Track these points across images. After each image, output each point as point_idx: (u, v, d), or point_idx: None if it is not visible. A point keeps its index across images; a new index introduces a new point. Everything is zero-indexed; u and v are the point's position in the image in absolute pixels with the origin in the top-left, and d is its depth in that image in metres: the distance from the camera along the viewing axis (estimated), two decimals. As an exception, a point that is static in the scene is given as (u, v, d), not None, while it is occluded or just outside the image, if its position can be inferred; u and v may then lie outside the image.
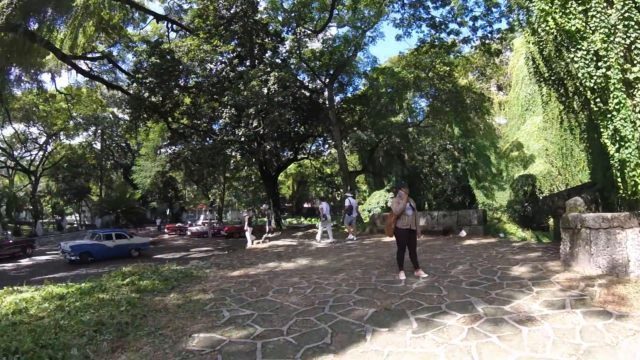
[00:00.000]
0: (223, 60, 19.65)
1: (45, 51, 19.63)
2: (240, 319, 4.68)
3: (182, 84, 19.15)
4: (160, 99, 18.05)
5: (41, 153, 39.53)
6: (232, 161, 21.42)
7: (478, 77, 24.20)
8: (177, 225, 35.06)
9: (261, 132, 18.32)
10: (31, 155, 40.19)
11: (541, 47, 8.17)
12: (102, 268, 13.20)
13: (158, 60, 17.24)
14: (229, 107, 17.63)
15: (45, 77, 29.83)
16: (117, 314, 4.73)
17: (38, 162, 39.22)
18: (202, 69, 19.00)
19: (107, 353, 3.68)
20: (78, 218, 45.01)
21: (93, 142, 42.02)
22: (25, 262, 18.10)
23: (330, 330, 4.15)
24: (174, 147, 23.83)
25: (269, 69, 17.54)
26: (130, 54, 22.60)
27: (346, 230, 14.36)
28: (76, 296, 5.90)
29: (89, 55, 22.80)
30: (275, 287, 6.30)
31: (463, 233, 12.03)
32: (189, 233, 29.92)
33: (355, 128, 22.66)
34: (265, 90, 16.75)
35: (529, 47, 9.50)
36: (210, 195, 41.93)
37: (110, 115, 37.79)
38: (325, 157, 31.18)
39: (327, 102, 21.21)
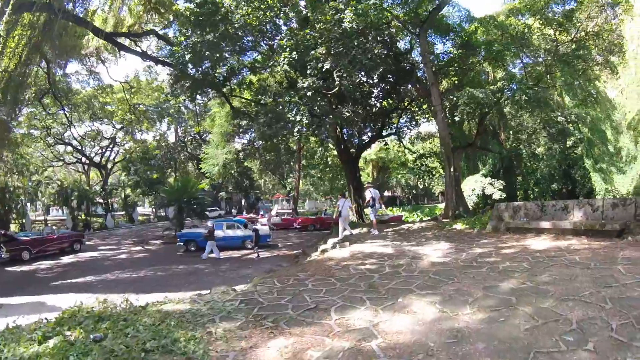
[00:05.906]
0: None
1: (82, 30, 17.44)
2: None
3: (231, 40, 14.83)
4: (209, 63, 14.56)
5: (113, 148, 39.72)
6: (296, 129, 14.22)
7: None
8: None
9: (336, 83, 13.26)
10: (102, 150, 39.89)
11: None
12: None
13: (197, 10, 13.73)
14: (287, 50, 12.89)
15: (101, 69, 28.94)
16: None
17: (108, 157, 39.39)
18: (249, 15, 14.07)
19: None
20: (153, 210, 44.95)
21: (166, 135, 41.71)
22: (66, 259, 16.45)
23: None
24: (246, 136, 21.98)
25: (342, 7, 12.70)
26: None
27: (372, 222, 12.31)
28: None
29: (136, 34, 20.49)
30: None
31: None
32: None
33: (456, 94, 16.76)
34: (339, 30, 12.48)
35: None
36: (287, 185, 39.78)
37: (180, 105, 36.44)
38: (414, 135, 25.02)
39: (416, 64, 16.72)
